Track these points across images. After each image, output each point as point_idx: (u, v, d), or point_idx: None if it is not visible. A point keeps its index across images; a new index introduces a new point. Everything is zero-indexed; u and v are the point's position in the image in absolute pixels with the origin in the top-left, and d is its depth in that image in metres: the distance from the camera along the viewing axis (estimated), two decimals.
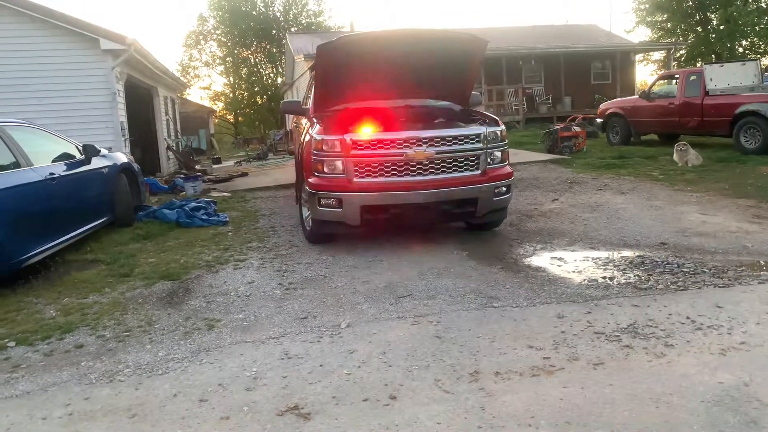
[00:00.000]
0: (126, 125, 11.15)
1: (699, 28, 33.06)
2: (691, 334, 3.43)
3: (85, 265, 5.71)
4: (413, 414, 2.71)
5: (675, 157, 10.34)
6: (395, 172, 5.43)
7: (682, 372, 2.98)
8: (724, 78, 12.00)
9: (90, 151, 6.56)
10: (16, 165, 5.32)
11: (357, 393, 2.93)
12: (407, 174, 5.44)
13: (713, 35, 31.89)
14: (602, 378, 2.96)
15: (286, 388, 3.02)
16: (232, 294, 4.60)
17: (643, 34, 36.79)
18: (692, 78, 12.41)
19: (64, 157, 6.25)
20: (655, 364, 3.09)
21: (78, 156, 6.47)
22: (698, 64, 28.08)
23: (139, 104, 14.16)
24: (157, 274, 5.21)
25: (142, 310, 4.33)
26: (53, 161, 6.00)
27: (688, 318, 3.65)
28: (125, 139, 10.90)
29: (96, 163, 6.70)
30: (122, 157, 7.77)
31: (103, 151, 7.13)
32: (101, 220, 6.67)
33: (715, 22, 32.57)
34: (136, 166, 8.16)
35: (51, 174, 5.64)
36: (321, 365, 3.27)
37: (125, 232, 6.99)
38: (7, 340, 3.86)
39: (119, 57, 10.48)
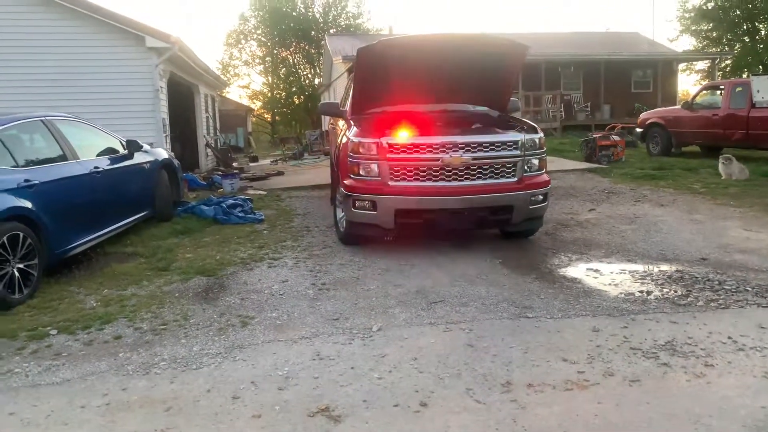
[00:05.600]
0: (167, 122, 11.38)
1: (746, 38, 32.12)
2: (733, 354, 3.33)
3: (124, 257, 5.86)
4: (444, 422, 2.70)
5: (720, 169, 10.05)
6: (431, 177, 5.43)
7: (723, 394, 2.89)
8: None
9: (133, 147, 6.72)
10: (63, 158, 5.49)
11: (388, 398, 2.93)
12: (443, 179, 5.43)
13: (761, 46, 30.94)
14: (638, 396, 2.90)
15: (318, 389, 3.05)
16: (266, 292, 4.65)
17: (687, 43, 36.00)
18: (738, 89, 12.06)
19: (108, 151, 6.42)
20: (694, 384, 3.01)
21: (121, 151, 6.64)
22: (744, 75, 27.30)
23: (180, 101, 14.44)
24: (194, 269, 5.31)
25: (179, 305, 4.42)
26: (98, 155, 6.17)
27: (729, 338, 3.54)
28: (166, 136, 11.13)
29: (138, 158, 6.86)
30: (163, 153, 7.94)
31: (145, 147, 7.29)
32: (141, 214, 6.83)
33: (763, 32, 31.62)
34: (176, 162, 8.32)
35: (95, 168, 5.81)
36: (352, 368, 3.28)
37: (164, 226, 7.14)
38: (49, 328, 3.98)
39: (163, 55, 10.70)
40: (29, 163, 5.12)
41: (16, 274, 4.49)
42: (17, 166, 4.87)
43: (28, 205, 4.68)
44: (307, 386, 3.08)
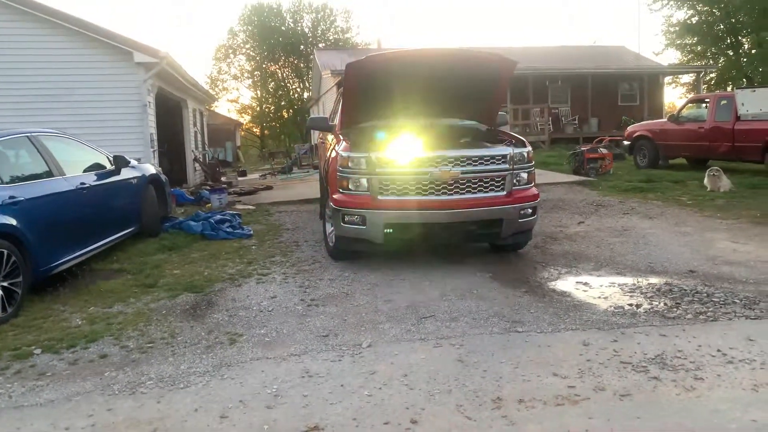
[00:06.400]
0: (155, 136, 11.33)
1: (730, 52, 32.58)
2: (722, 367, 3.33)
3: (111, 274, 5.79)
4: None
5: (706, 182, 10.16)
6: (420, 191, 5.43)
7: (713, 407, 2.89)
8: (756, 103, 11.77)
9: (120, 162, 6.67)
10: (48, 174, 5.44)
11: (378, 415, 2.90)
12: (432, 193, 5.43)
13: (745, 59, 31.38)
14: (629, 410, 2.89)
15: (307, 408, 3.01)
16: (254, 308, 4.61)
17: (673, 57, 36.46)
18: (723, 102, 12.23)
19: (95, 167, 6.37)
20: (684, 397, 3.01)
21: (108, 166, 6.59)
22: (729, 88, 27.67)
23: (169, 116, 14.40)
24: (181, 285, 5.25)
25: (166, 322, 4.36)
26: (84, 171, 6.12)
27: (718, 350, 3.55)
28: (154, 151, 11.07)
29: (125, 173, 6.82)
30: (151, 169, 7.89)
31: (133, 162, 7.25)
32: (128, 230, 6.77)
33: (746, 46, 32.07)
34: (163, 177, 8.27)
35: (82, 184, 5.76)
36: (342, 385, 3.25)
37: (151, 242, 7.07)
38: (33, 347, 3.91)
39: (151, 70, 10.67)
40: (14, 179, 5.07)
41: (0, 292, 4.42)
42: (2, 183, 4.82)
43: (13, 222, 4.62)
44: (296, 404, 3.04)
